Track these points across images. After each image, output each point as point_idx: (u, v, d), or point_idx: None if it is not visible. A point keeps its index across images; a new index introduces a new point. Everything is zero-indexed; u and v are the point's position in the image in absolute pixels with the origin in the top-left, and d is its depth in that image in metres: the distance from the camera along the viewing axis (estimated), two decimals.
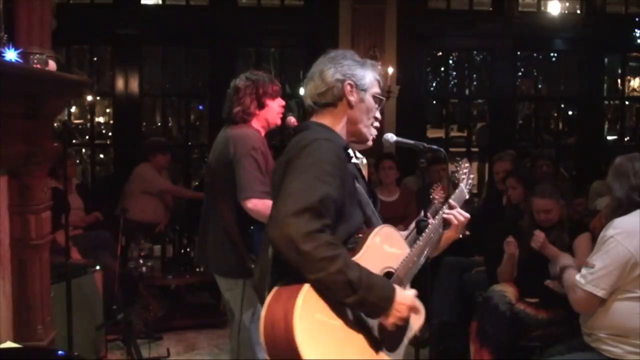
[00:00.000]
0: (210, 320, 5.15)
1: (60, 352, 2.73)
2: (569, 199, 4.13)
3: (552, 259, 3.52)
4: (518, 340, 3.61)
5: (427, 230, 2.11)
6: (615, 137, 9.09)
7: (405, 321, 1.86)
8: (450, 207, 2.23)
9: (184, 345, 4.79)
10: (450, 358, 4.32)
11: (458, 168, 2.37)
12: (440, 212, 2.20)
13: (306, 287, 1.70)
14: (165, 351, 4.57)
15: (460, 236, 2.28)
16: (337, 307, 1.74)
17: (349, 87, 2.02)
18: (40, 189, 3.05)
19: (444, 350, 4.35)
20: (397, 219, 5.12)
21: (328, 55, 2.09)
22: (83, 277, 4.05)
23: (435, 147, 2.46)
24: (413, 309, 1.85)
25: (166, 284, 5.37)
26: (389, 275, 1.91)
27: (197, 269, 5.12)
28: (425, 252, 2.06)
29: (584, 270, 2.84)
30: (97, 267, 4.24)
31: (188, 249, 5.37)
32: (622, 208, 2.87)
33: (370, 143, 2.44)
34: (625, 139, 8.91)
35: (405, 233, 2.24)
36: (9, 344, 2.46)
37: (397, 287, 1.83)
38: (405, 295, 1.84)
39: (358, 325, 1.79)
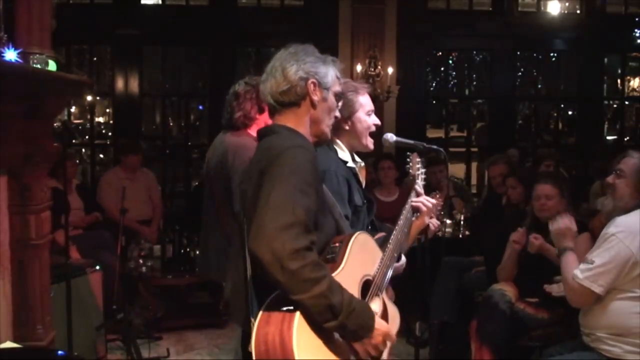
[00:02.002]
0: (210, 320, 5.14)
1: (60, 352, 2.72)
2: (569, 199, 4.13)
3: (553, 258, 3.52)
4: (518, 339, 3.61)
5: (393, 233, 2.12)
6: (615, 137, 9.10)
7: (378, 349, 1.81)
8: (418, 195, 2.32)
9: (184, 345, 4.79)
10: (450, 358, 4.32)
11: (411, 163, 2.40)
12: (407, 204, 2.27)
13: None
14: (165, 351, 4.57)
15: (432, 225, 2.43)
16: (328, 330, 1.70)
17: (312, 86, 1.92)
18: (40, 189, 3.05)
19: (444, 350, 4.35)
20: (396, 218, 5.12)
21: (288, 50, 1.97)
22: (83, 277, 4.05)
23: (435, 147, 2.47)
24: (387, 337, 1.81)
25: (166, 284, 5.37)
26: (367, 283, 1.89)
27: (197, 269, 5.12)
28: (395, 255, 2.07)
29: (582, 266, 2.84)
30: (97, 267, 4.24)
31: (188, 249, 5.37)
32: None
33: (371, 147, 2.45)
34: (625, 139, 8.92)
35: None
36: (9, 344, 2.46)
37: (375, 314, 1.80)
38: (382, 323, 1.82)
39: (348, 343, 1.76)
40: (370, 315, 1.76)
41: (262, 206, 1.69)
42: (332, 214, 1.96)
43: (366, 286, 1.88)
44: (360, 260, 1.87)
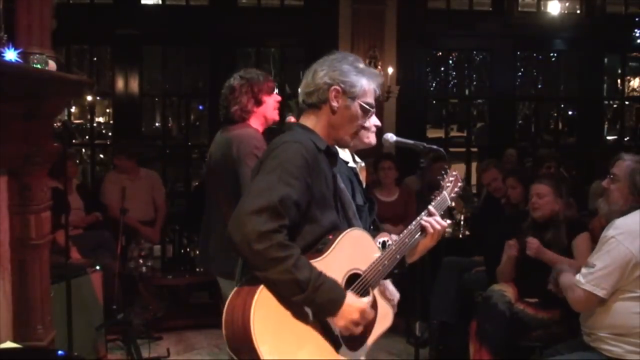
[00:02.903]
0: (210, 320, 5.13)
1: (60, 352, 2.72)
2: (566, 197, 4.14)
3: (550, 263, 3.52)
4: (518, 340, 3.61)
5: (400, 235, 2.10)
6: (615, 137, 9.10)
7: (358, 325, 1.87)
8: (430, 214, 2.17)
9: (184, 345, 4.79)
10: (450, 358, 4.32)
11: (445, 175, 2.36)
12: (419, 217, 2.16)
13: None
14: (165, 351, 4.57)
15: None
16: (294, 303, 1.78)
17: (334, 93, 1.98)
18: (40, 189, 3.05)
19: (444, 350, 4.35)
20: (396, 218, 5.13)
21: (330, 56, 2.06)
22: (83, 277, 4.05)
23: (435, 147, 2.46)
24: (364, 313, 1.86)
25: (166, 284, 5.37)
26: (355, 276, 1.93)
27: (197, 269, 5.12)
28: (398, 257, 2.05)
29: (584, 270, 2.84)
30: (97, 267, 4.24)
31: (188, 249, 5.37)
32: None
33: (373, 142, 2.43)
34: (625, 139, 8.92)
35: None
36: (9, 344, 2.46)
37: (349, 292, 1.85)
38: (356, 300, 1.86)
39: (316, 322, 1.83)
40: (340, 291, 1.83)
41: (245, 194, 1.84)
42: (346, 211, 2.03)
43: (353, 280, 1.93)
44: (350, 254, 1.93)
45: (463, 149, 8.35)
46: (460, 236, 5.30)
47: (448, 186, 2.33)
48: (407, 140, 2.49)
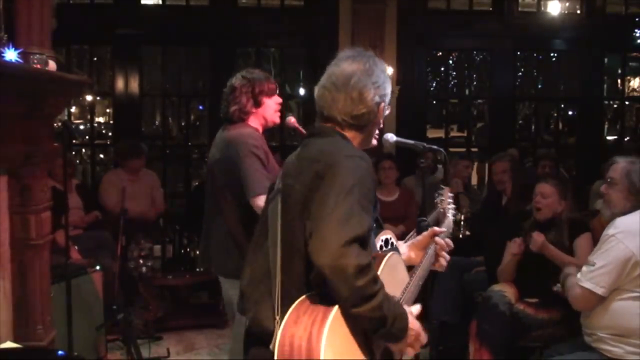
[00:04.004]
0: (210, 320, 5.15)
1: (60, 352, 2.73)
2: (570, 199, 4.13)
3: (554, 259, 3.52)
4: (518, 340, 3.61)
5: (422, 261, 2.10)
6: (615, 137, 9.10)
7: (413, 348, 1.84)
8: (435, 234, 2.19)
9: (184, 345, 4.79)
10: (450, 358, 4.32)
11: (442, 198, 2.32)
12: (433, 246, 2.17)
13: (333, 313, 1.65)
14: (165, 351, 4.57)
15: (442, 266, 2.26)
16: (358, 335, 1.71)
17: (382, 109, 1.94)
18: (40, 189, 3.05)
19: (444, 350, 4.35)
20: (396, 218, 5.13)
21: (363, 65, 1.95)
22: (83, 277, 4.05)
23: (435, 147, 2.46)
24: (420, 337, 1.83)
25: (166, 284, 5.38)
26: None
27: (197, 269, 5.12)
28: (420, 283, 2.06)
29: (584, 268, 2.86)
30: (97, 267, 4.24)
31: (188, 249, 5.37)
32: None
33: (374, 142, 2.43)
34: (625, 139, 8.92)
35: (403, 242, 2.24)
36: (9, 344, 2.46)
37: (408, 312, 1.80)
38: (415, 323, 1.82)
39: (369, 351, 1.77)
40: (406, 317, 1.78)
41: (326, 217, 1.66)
42: None
43: None
44: (388, 283, 1.83)
45: (463, 149, 8.34)
46: (460, 236, 5.29)
47: (449, 208, 2.32)
48: (407, 140, 2.48)
